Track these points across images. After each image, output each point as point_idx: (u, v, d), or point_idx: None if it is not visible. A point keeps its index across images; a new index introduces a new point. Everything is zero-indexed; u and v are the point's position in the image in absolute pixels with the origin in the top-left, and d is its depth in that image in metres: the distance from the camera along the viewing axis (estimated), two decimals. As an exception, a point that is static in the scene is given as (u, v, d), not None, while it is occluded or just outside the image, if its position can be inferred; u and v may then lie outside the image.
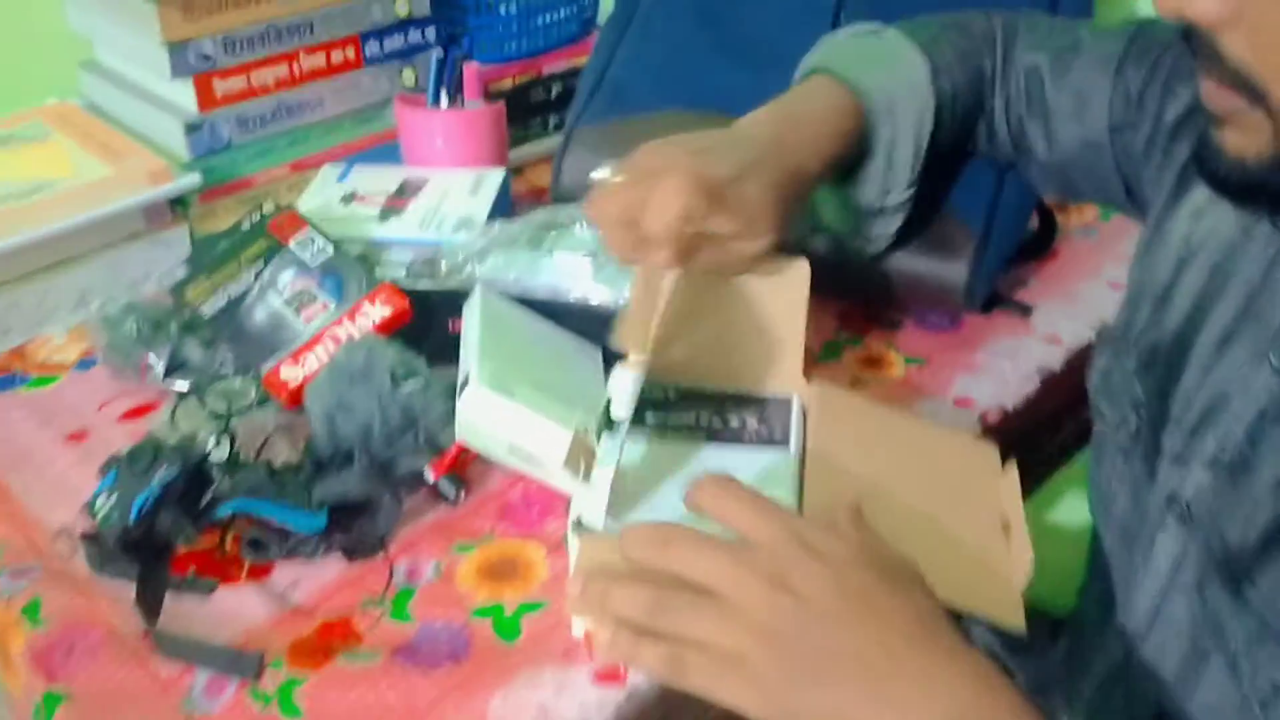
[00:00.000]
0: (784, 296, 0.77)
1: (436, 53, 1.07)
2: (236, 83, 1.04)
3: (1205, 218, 0.69)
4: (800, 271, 0.76)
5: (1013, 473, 0.72)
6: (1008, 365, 0.94)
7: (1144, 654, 0.69)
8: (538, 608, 0.71)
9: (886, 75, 0.83)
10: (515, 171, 1.21)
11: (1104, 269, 1.05)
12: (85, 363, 0.92)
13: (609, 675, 0.66)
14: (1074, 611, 0.79)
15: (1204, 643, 0.64)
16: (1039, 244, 1.07)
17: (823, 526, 0.58)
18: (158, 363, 0.86)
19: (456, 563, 0.74)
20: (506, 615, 0.71)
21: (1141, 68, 0.78)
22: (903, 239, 0.89)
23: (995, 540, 0.68)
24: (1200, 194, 0.69)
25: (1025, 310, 1.00)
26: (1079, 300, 1.01)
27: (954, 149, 0.89)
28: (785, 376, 0.78)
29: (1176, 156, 0.74)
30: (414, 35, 1.15)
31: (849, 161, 0.82)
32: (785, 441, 0.74)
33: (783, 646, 0.53)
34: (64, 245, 0.96)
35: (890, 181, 0.84)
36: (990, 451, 0.77)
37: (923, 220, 0.90)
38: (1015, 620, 0.63)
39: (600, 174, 0.75)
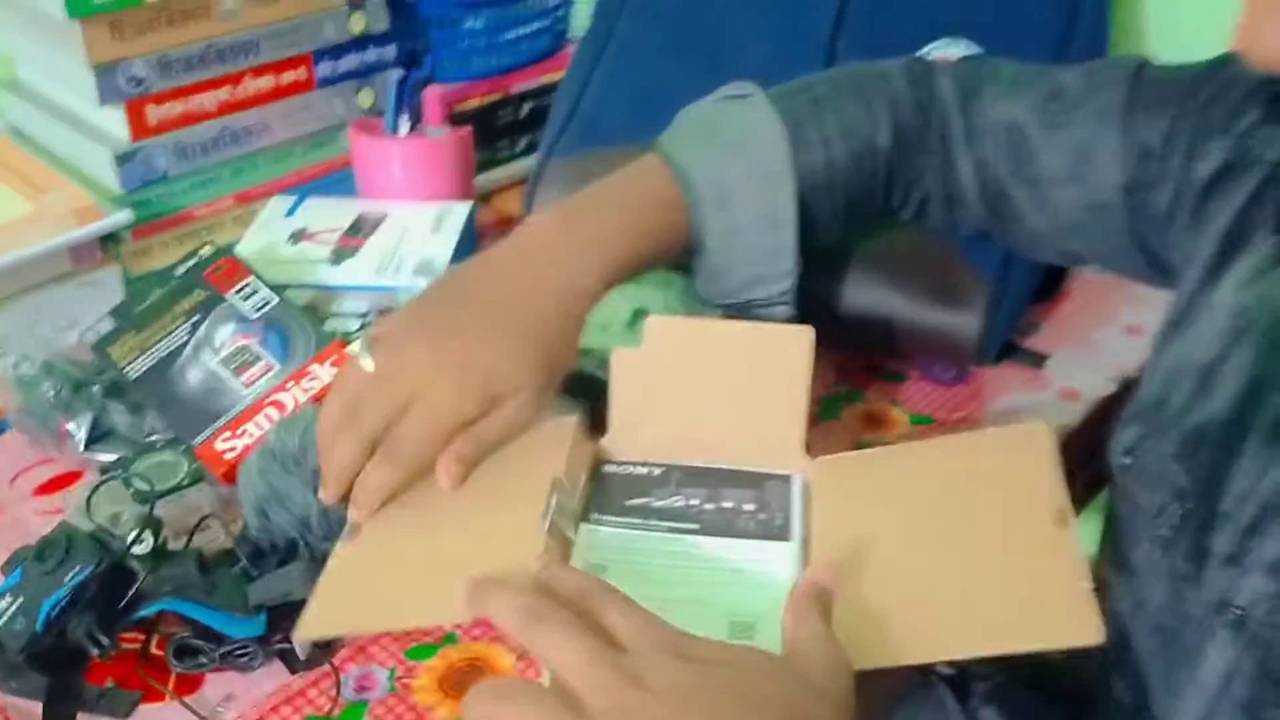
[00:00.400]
0: (785, 365, 0.68)
1: (396, 73, 0.98)
2: (173, 108, 0.94)
3: (1256, 286, 0.61)
4: (804, 338, 0.68)
5: (1051, 452, 0.64)
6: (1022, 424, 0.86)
7: None
8: (506, 729, 0.62)
9: (727, 155, 0.73)
10: (482, 199, 1.12)
11: (1120, 313, 0.97)
12: (1, 424, 0.83)
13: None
14: (1094, 701, 0.71)
15: None
16: (1049, 285, 0.99)
17: (711, 641, 0.52)
18: (78, 430, 0.77)
19: (414, 671, 0.65)
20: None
21: (1157, 117, 0.69)
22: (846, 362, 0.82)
23: (1053, 547, 0.59)
24: (1249, 261, 0.61)
25: (1038, 360, 0.92)
26: (1095, 349, 0.94)
27: (870, 222, 0.80)
28: (786, 453, 0.69)
29: (1213, 219, 0.65)
30: (371, 54, 1.05)
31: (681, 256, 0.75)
32: (785, 535, 0.65)
33: None
34: (-21, 290, 0.87)
35: (746, 274, 0.73)
36: (1038, 431, 0.66)
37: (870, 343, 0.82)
38: (1090, 635, 0.54)
39: (355, 350, 0.67)
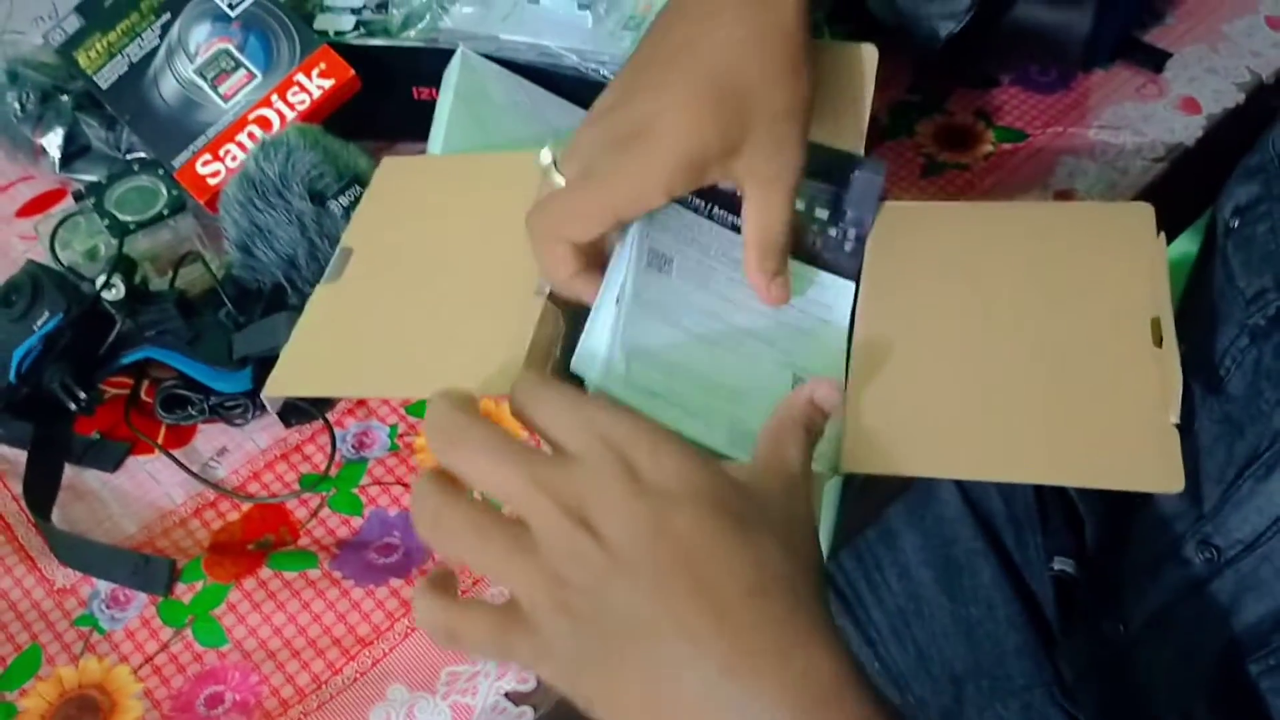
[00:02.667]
0: (847, 85, 0.57)
1: None
2: None
3: None
4: (867, 56, 0.56)
5: (1157, 246, 0.52)
6: (1129, 141, 0.73)
7: (1230, 582, 0.55)
8: (511, 499, 0.57)
9: None
10: None
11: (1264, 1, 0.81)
12: (-22, 134, 0.75)
13: (595, 596, 0.54)
14: (1153, 497, 0.63)
15: None
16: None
17: (667, 446, 0.39)
18: (52, 146, 0.69)
19: (417, 428, 0.60)
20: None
21: None
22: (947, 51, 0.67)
23: (1142, 366, 0.49)
24: None
25: (1159, 61, 0.77)
26: (1228, 45, 0.78)
27: None
28: None
29: None
30: None
31: None
32: (851, 270, 0.55)
33: (571, 608, 0.37)
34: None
35: None
36: (1141, 214, 0.55)
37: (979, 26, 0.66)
38: (1170, 483, 0.45)
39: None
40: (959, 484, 0.76)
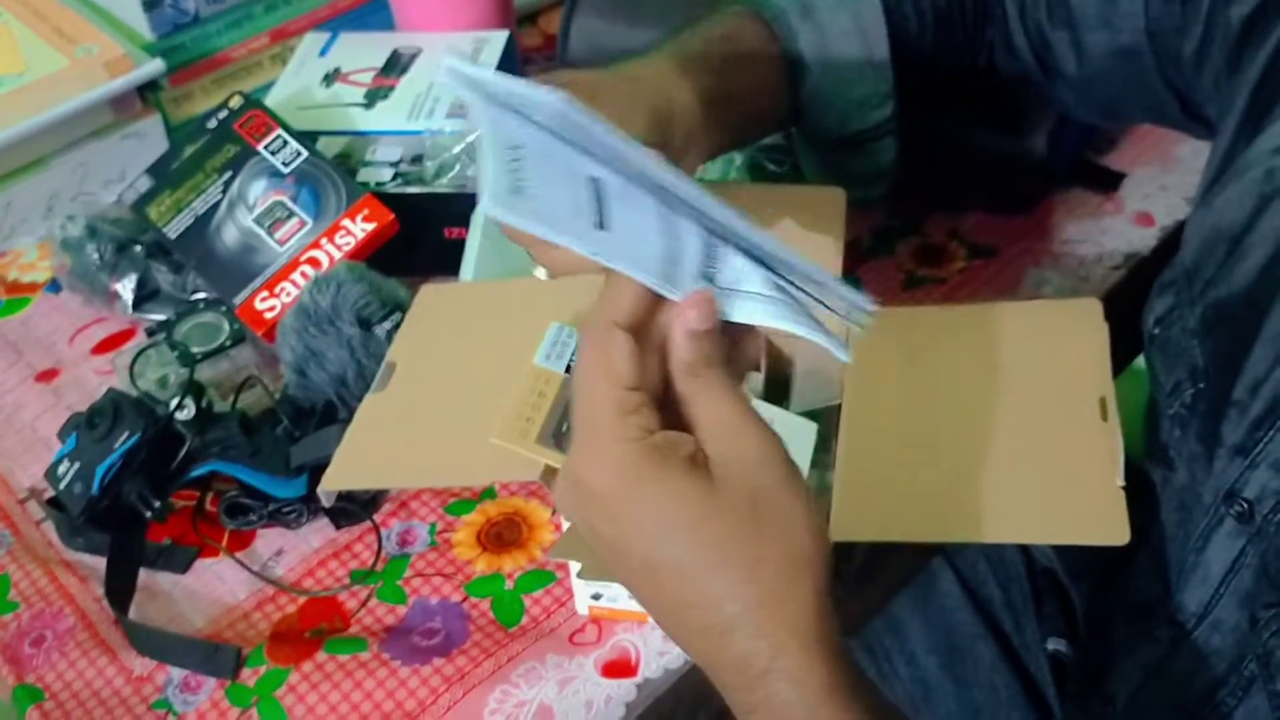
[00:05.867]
0: (819, 225, 0.65)
1: (424, -107, 0.93)
2: (198, -55, 0.91)
3: None
4: (837, 199, 0.65)
5: (1102, 335, 0.60)
6: (1090, 252, 0.81)
7: (1188, 655, 0.60)
8: (540, 584, 0.63)
9: None
10: (527, 20, 1.08)
11: (1207, 124, 0.90)
12: (57, 283, 0.84)
13: (618, 667, 0.60)
14: (1130, 577, 0.69)
15: (1248, 668, 0.55)
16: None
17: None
18: (126, 290, 0.78)
19: (453, 526, 0.67)
20: (507, 589, 0.63)
21: None
22: (917, 183, 0.74)
23: (1091, 438, 0.55)
24: None
25: (1114, 181, 0.86)
26: (1177, 167, 0.87)
27: (953, 59, 0.73)
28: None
29: (1248, 69, 0.58)
30: None
31: (780, 97, 0.68)
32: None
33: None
34: (24, 149, 0.87)
35: (849, 96, 0.68)
36: (1089, 308, 0.62)
37: (937, 175, 0.75)
38: (1116, 536, 0.51)
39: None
40: (958, 573, 0.81)
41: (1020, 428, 0.57)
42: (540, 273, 0.59)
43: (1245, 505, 0.54)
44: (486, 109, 0.42)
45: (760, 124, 0.69)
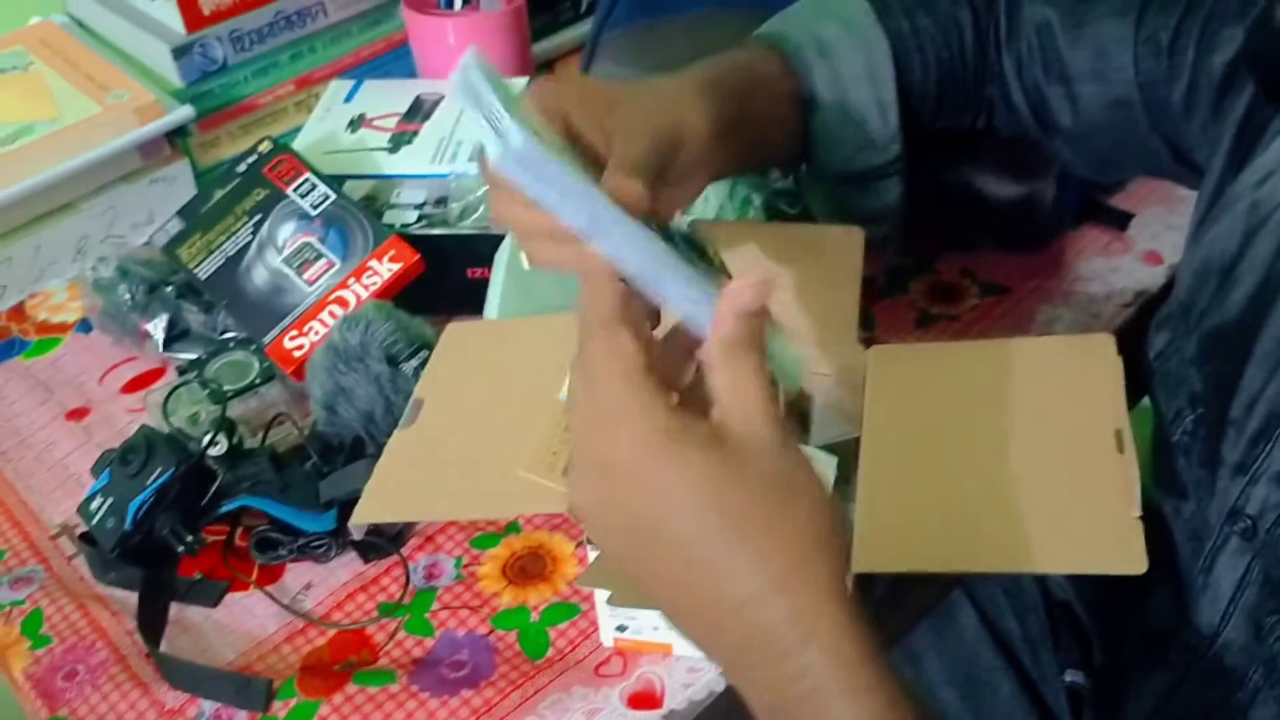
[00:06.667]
0: (838, 263, 0.67)
1: (445, -55, 0.96)
2: (226, -5, 0.94)
3: (1274, 179, 0.57)
4: (854, 238, 0.66)
5: (1116, 369, 0.61)
6: (1100, 290, 0.83)
7: (1201, 677, 0.61)
8: (565, 617, 0.64)
9: (813, 17, 0.70)
10: (545, 67, 1.10)
11: (1213, 165, 0.92)
12: (87, 324, 0.86)
13: (643, 699, 0.60)
14: (1144, 606, 0.70)
15: (1253, 678, 0.57)
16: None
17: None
18: (157, 330, 0.80)
19: (478, 559, 0.68)
20: (533, 622, 0.64)
21: (1170, 13, 0.65)
22: (929, 224, 0.76)
23: (1108, 470, 0.57)
24: (1268, 156, 0.58)
25: (1122, 221, 0.88)
26: (1182, 206, 0.89)
27: (955, 113, 0.75)
28: (839, 347, 0.68)
29: (1230, 113, 0.62)
30: (420, -77, 1.02)
31: (791, 130, 0.70)
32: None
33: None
34: (56, 193, 0.89)
35: (859, 134, 0.70)
36: (1103, 343, 0.64)
37: (947, 216, 0.77)
38: (1134, 565, 0.52)
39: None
40: (976, 606, 0.82)
41: (1037, 460, 0.58)
42: (524, 258, 0.61)
43: (1249, 522, 0.56)
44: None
45: (768, 154, 0.71)
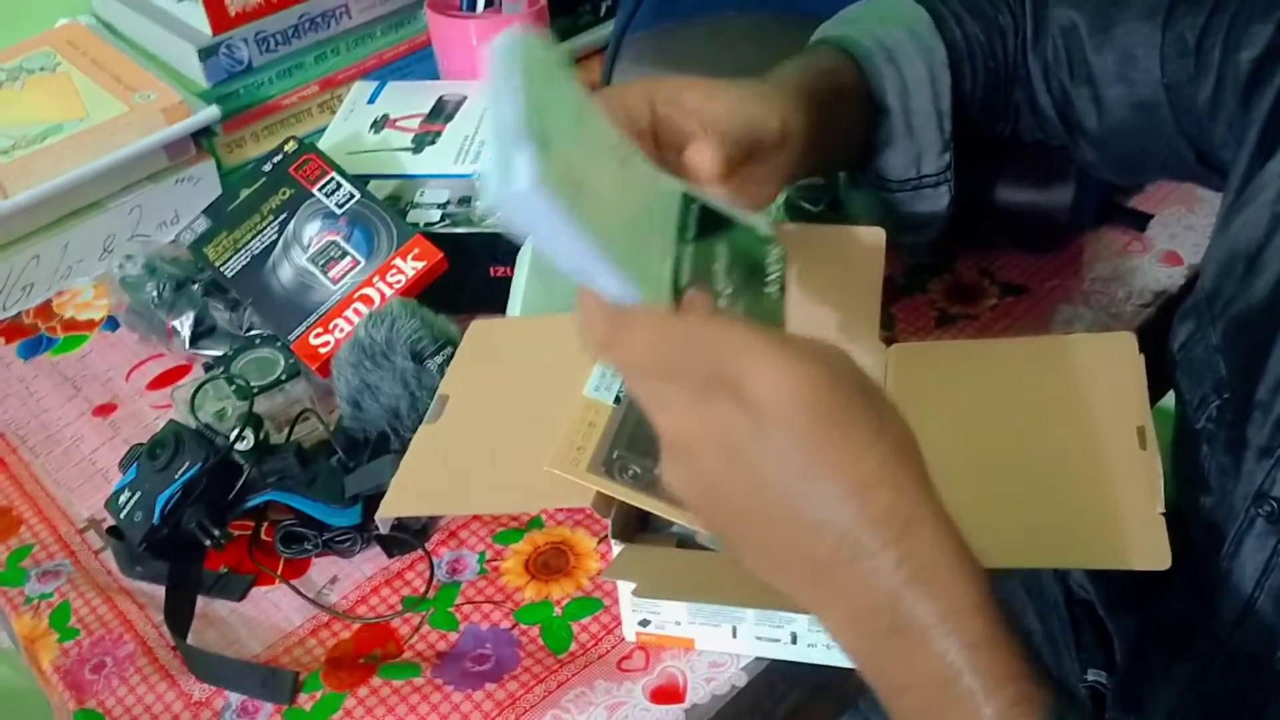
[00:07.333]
0: (858, 262, 0.67)
1: (468, -53, 0.96)
2: (252, -2, 0.95)
3: None
4: (875, 238, 0.67)
5: (1138, 366, 0.62)
6: (1119, 290, 0.83)
7: (1223, 666, 0.61)
8: (588, 611, 0.65)
9: (878, 23, 0.71)
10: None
11: (1233, 166, 0.92)
12: (114, 321, 0.87)
13: (666, 693, 0.61)
14: (1163, 600, 0.70)
15: (1277, 662, 0.57)
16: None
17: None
18: (183, 327, 0.81)
19: (502, 554, 0.69)
20: (555, 616, 0.65)
21: (1197, 14, 0.65)
22: (952, 238, 0.77)
23: (1131, 466, 0.57)
24: None
25: (1141, 222, 0.88)
26: (1202, 207, 0.89)
27: (989, 120, 0.75)
28: (860, 346, 0.68)
29: (1258, 107, 0.62)
30: (443, -74, 1.03)
31: (859, 136, 0.71)
32: None
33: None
34: (83, 191, 0.90)
35: (916, 142, 0.71)
36: (1124, 341, 0.64)
37: (967, 218, 0.77)
38: (1158, 561, 0.52)
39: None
40: None
41: (1060, 457, 0.58)
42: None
43: (1274, 504, 0.57)
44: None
45: (839, 160, 0.72)
